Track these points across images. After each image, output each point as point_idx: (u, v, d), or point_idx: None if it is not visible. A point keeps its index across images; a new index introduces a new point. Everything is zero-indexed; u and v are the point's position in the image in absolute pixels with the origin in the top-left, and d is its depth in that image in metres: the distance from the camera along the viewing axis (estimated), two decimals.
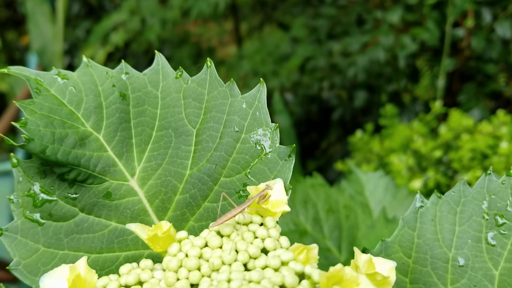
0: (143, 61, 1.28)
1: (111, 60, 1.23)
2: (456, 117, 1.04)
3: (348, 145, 1.20)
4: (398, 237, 0.31)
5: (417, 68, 1.42)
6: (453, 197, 0.31)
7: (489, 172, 0.31)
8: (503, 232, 0.30)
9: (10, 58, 1.36)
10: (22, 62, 1.31)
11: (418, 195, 0.32)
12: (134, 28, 1.14)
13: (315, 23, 1.42)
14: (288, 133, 1.12)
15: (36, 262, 0.26)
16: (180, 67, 0.29)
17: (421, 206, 0.32)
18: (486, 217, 0.30)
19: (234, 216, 0.24)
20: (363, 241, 0.58)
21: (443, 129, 1.04)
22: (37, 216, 0.27)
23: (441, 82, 1.23)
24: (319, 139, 1.62)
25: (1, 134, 0.26)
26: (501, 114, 0.97)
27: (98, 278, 0.23)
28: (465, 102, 1.26)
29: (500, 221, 0.30)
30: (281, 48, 1.37)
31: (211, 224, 0.24)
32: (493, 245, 0.30)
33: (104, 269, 0.26)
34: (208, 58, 0.29)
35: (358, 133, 1.18)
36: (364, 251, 0.32)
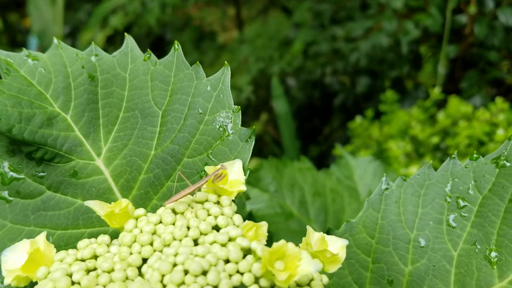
0: (144, 44, 1.29)
1: (111, 44, 1.23)
2: (455, 104, 1.04)
3: (348, 131, 1.20)
4: (362, 218, 0.32)
5: (420, 54, 1.41)
6: (418, 180, 0.32)
7: (453, 156, 0.31)
8: (464, 215, 0.30)
9: (12, 40, 1.38)
10: (23, 44, 1.32)
11: (384, 178, 0.33)
12: (135, 10, 1.15)
13: (319, 7, 1.42)
14: (286, 118, 1.12)
15: (3, 238, 0.27)
16: (148, 49, 0.30)
17: (386, 189, 0.32)
18: (449, 199, 0.31)
19: (188, 194, 0.25)
20: None
21: (441, 116, 1.04)
22: (5, 193, 0.28)
23: (442, 69, 1.22)
24: (322, 124, 1.61)
25: None
26: (499, 101, 0.96)
27: (56, 252, 0.24)
28: (466, 89, 1.25)
29: (462, 203, 0.30)
30: (282, 33, 1.37)
31: (165, 202, 0.25)
32: (454, 227, 0.30)
33: (69, 245, 0.27)
34: (175, 41, 0.29)
35: (358, 119, 1.18)
36: (328, 231, 0.32)
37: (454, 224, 0.30)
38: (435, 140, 1.03)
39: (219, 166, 0.25)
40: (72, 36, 1.30)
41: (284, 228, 0.57)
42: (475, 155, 0.31)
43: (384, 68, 1.39)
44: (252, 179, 0.59)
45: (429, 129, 1.03)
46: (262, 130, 1.33)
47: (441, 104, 1.17)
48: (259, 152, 1.27)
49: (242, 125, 0.28)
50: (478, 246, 0.30)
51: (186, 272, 0.21)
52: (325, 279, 0.24)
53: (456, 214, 0.30)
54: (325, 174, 0.63)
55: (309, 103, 1.53)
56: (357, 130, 1.17)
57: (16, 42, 1.38)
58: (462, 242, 0.30)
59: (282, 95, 1.13)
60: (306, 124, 1.59)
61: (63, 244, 0.27)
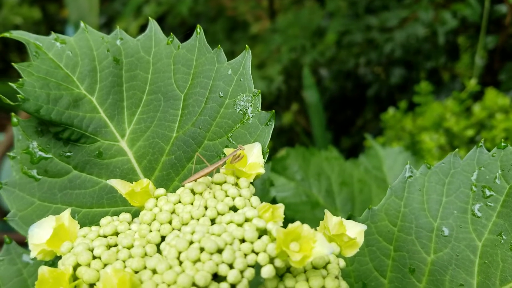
0: (177, 34, 1.30)
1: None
2: (492, 96, 1.01)
3: (381, 123, 1.18)
4: (385, 206, 0.32)
5: (457, 45, 1.37)
6: (443, 168, 0.31)
7: (480, 144, 0.31)
8: (490, 204, 0.29)
9: (51, 29, 1.41)
10: (62, 34, 1.36)
11: (407, 166, 0.32)
12: (168, 0, 1.16)
13: None
14: (317, 108, 1.11)
15: (31, 214, 0.28)
16: (171, 33, 0.30)
17: (410, 176, 0.32)
18: (474, 189, 0.30)
19: (206, 174, 0.25)
20: None
21: (477, 108, 1.01)
22: (34, 172, 0.29)
23: (479, 60, 1.18)
24: (354, 116, 1.59)
25: (1, 96, 0.28)
26: None
27: (80, 228, 0.25)
28: (505, 81, 1.21)
29: (488, 193, 0.30)
30: (315, 22, 1.35)
31: (184, 181, 0.25)
32: (479, 217, 0.29)
33: (93, 223, 0.28)
34: (198, 25, 0.30)
35: (391, 110, 1.16)
36: (350, 217, 0.32)
37: (479, 214, 0.30)
38: (470, 132, 1.00)
39: (237, 147, 0.26)
40: (107, 26, 1.33)
41: (311, 217, 0.57)
42: (502, 144, 0.30)
43: (420, 59, 1.36)
44: (279, 168, 0.59)
45: (464, 122, 1.00)
46: (293, 121, 1.32)
47: (477, 97, 1.14)
48: (289, 142, 1.27)
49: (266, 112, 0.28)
50: (504, 237, 0.29)
51: (202, 249, 0.21)
52: (342, 262, 0.24)
53: (481, 203, 0.30)
54: (352, 164, 0.63)
55: (342, 94, 1.51)
56: (389, 121, 1.15)
57: (54, 32, 1.42)
58: (487, 232, 0.29)
59: (313, 85, 1.13)
60: (338, 116, 1.58)
61: (88, 222, 0.28)
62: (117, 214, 0.29)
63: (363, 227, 0.25)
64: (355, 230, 0.25)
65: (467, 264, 0.29)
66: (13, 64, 0.28)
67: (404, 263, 0.31)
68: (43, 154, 0.29)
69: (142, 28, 1.24)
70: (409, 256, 0.31)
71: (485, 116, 1.00)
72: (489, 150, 0.31)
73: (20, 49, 1.59)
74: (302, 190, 0.58)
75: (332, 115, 1.50)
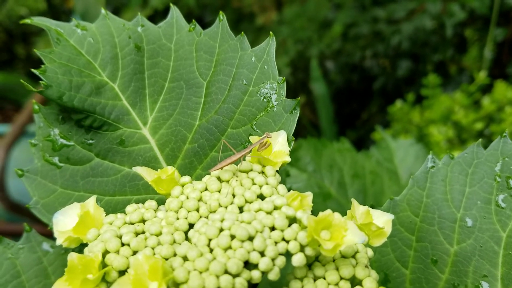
0: None
1: None
2: (501, 89, 1.00)
3: (388, 116, 1.18)
4: (407, 196, 0.31)
5: (465, 38, 1.36)
6: (466, 159, 0.31)
7: (504, 134, 0.30)
8: None
9: (56, 20, 1.41)
10: None
11: (430, 156, 0.32)
12: None
13: None
14: (324, 100, 1.11)
15: (53, 202, 0.28)
16: (193, 20, 0.30)
17: (432, 167, 0.32)
18: (498, 179, 0.30)
19: (233, 162, 0.25)
20: None
21: (486, 101, 1.00)
22: (55, 159, 0.28)
23: (488, 53, 1.18)
24: (360, 109, 1.59)
25: (21, 80, 0.27)
26: None
27: (105, 216, 0.24)
28: None
29: None
30: (322, 14, 1.34)
31: (211, 169, 0.25)
32: (503, 208, 0.29)
33: (116, 211, 0.28)
34: (220, 12, 0.29)
35: (398, 103, 1.15)
36: (372, 207, 0.32)
37: (503, 205, 0.29)
38: (479, 126, 1.00)
39: (264, 135, 0.25)
40: None
41: (323, 208, 0.56)
42: None
43: (427, 52, 1.35)
44: (291, 159, 0.58)
45: (473, 115, 1.00)
46: (300, 113, 1.32)
47: (485, 90, 1.13)
48: (295, 134, 1.27)
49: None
50: None
51: (232, 237, 0.21)
52: (370, 252, 0.24)
53: (505, 194, 0.29)
54: (364, 156, 0.63)
55: (348, 86, 1.51)
56: (397, 114, 1.14)
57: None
58: (511, 223, 0.29)
59: (320, 77, 1.12)
60: (344, 108, 1.57)
61: (111, 210, 0.28)
62: (139, 202, 0.28)
63: (390, 216, 0.25)
64: (382, 220, 0.24)
65: (491, 255, 0.29)
66: (35, 50, 0.28)
67: (427, 253, 0.30)
68: (64, 142, 0.29)
69: (149, 20, 1.23)
70: (432, 247, 0.30)
71: (494, 109, 1.00)
72: None
73: (25, 40, 1.59)
74: (314, 182, 0.58)
75: (338, 108, 1.50)
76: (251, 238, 0.21)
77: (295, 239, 0.21)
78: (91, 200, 0.25)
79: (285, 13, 1.33)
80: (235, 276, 0.20)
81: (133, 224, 0.23)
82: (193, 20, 0.30)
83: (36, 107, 0.29)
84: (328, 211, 0.21)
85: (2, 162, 0.83)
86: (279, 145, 0.26)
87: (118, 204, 0.28)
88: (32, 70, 0.27)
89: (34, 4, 1.43)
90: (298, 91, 1.36)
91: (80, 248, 0.24)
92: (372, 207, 0.32)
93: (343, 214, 0.25)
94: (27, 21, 0.29)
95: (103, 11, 0.30)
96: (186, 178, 0.25)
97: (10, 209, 0.81)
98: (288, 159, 0.26)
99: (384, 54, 1.39)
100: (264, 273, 0.20)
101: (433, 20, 1.23)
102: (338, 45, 1.39)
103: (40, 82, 0.27)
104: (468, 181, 0.30)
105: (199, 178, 0.28)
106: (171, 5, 0.30)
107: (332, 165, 0.60)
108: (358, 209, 0.25)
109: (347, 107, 1.59)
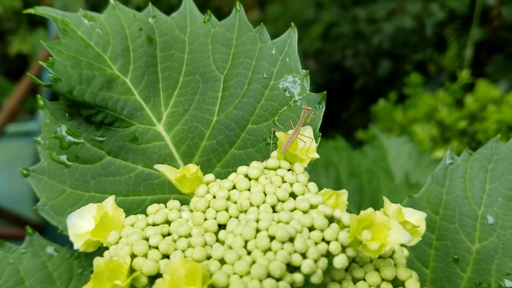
0: None
1: None
2: (483, 88, 1.02)
3: (369, 115, 1.18)
4: (426, 193, 0.31)
5: (444, 37, 1.38)
6: (485, 155, 0.30)
7: None
8: None
9: (32, 19, 1.36)
10: (43, 23, 1.31)
11: (448, 152, 0.31)
12: None
13: None
14: None
15: (63, 203, 0.26)
16: (208, 11, 0.29)
17: (451, 163, 0.31)
18: None
19: (291, 140, 0.24)
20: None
21: (469, 99, 1.02)
22: (63, 158, 0.27)
23: (469, 52, 1.19)
24: (340, 109, 1.59)
25: (28, 74, 0.25)
26: None
27: (125, 217, 0.23)
28: (492, 73, 1.23)
29: None
30: (305, 13, 1.34)
31: (280, 150, 0.24)
32: None
33: (130, 212, 0.26)
34: (237, 1, 0.28)
35: (381, 102, 1.16)
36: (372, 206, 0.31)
37: None
38: (462, 124, 1.01)
39: (303, 107, 0.25)
40: None
41: None
42: None
43: (407, 51, 1.37)
44: None
45: (456, 113, 1.01)
46: None
47: (466, 89, 1.15)
48: None
49: None
50: None
51: (271, 238, 0.19)
52: (406, 252, 0.23)
53: None
54: (360, 154, 0.62)
55: (329, 86, 1.51)
56: (379, 113, 1.15)
57: (35, 21, 1.37)
58: None
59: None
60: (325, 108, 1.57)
61: (125, 211, 0.26)
62: (154, 202, 0.27)
63: (423, 214, 0.24)
64: (415, 218, 0.24)
65: None
66: (41, 41, 0.26)
67: (447, 252, 0.30)
68: (73, 139, 0.27)
69: None
70: (453, 245, 0.30)
71: (477, 108, 1.01)
72: (482, 142, 0.30)
73: (0, 38, 1.53)
74: (310, 180, 0.57)
75: None
76: (291, 239, 0.19)
77: (336, 240, 0.20)
78: (110, 201, 0.23)
79: (268, 11, 1.32)
80: (278, 279, 0.18)
81: (157, 225, 0.22)
82: (208, 11, 0.29)
83: (41, 102, 0.27)
84: (370, 209, 0.20)
85: None
86: (306, 141, 0.25)
87: (133, 204, 0.27)
88: (40, 62, 0.25)
89: (9, 2, 1.38)
90: None
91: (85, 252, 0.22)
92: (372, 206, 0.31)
93: None
94: (31, 10, 0.27)
95: (111, 1, 0.29)
96: (210, 176, 0.24)
97: None
98: (316, 155, 0.25)
99: (365, 54, 1.40)
100: (306, 276, 0.19)
101: (413, 20, 1.24)
102: (319, 44, 1.39)
103: (49, 75, 0.25)
104: (488, 178, 0.30)
105: (218, 177, 0.27)
106: None
107: (328, 163, 0.59)
108: (390, 208, 0.24)
109: (327, 107, 1.58)
